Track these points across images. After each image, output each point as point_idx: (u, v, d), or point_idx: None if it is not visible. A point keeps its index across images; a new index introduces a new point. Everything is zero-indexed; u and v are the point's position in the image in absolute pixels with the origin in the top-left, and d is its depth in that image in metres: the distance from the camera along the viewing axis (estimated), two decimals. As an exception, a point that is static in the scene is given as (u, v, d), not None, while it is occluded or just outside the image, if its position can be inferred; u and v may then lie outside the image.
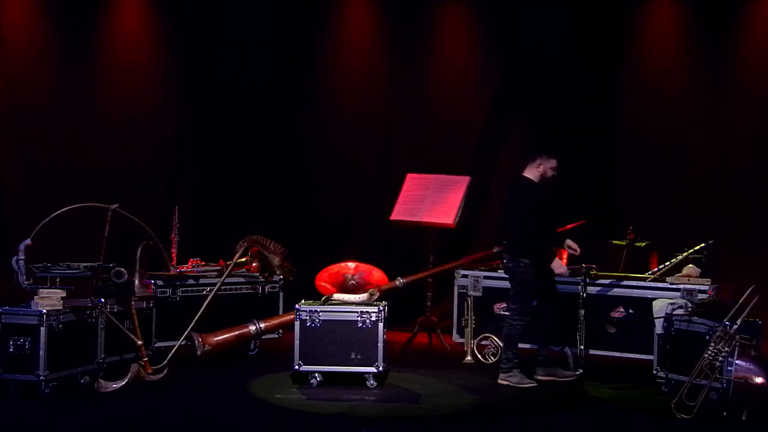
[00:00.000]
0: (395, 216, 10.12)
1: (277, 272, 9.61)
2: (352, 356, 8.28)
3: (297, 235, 10.81)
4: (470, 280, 9.57)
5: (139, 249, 8.50)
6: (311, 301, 8.54)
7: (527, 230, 8.38)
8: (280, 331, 9.49)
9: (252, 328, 9.13)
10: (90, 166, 10.98)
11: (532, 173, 8.50)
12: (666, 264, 9.09)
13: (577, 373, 8.53)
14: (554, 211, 8.64)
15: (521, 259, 8.42)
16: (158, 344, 8.88)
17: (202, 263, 9.45)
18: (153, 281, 8.92)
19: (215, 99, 11.34)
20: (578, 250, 8.64)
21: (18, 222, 10.32)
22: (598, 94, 11.02)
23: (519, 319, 8.46)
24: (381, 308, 8.36)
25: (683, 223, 10.43)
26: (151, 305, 8.74)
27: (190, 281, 9.30)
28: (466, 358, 9.40)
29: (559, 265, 8.48)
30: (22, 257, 7.86)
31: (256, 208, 11.17)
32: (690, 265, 8.97)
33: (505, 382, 8.43)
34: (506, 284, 9.49)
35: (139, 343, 8.31)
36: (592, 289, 8.89)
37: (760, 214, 10.39)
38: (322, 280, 8.91)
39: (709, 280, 8.86)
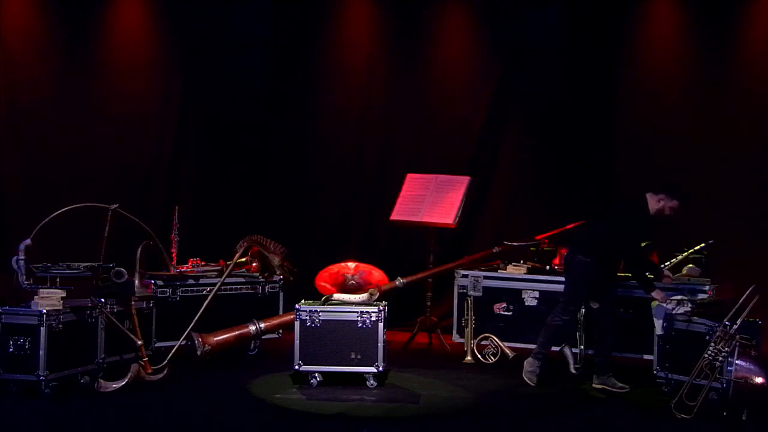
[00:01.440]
0: (395, 216, 10.12)
1: (277, 272, 9.61)
2: (352, 356, 8.28)
3: (297, 235, 10.82)
4: (470, 280, 9.57)
5: (139, 249, 8.50)
6: (311, 301, 8.54)
7: (614, 245, 8.29)
8: (280, 331, 9.49)
9: (252, 328, 9.14)
10: (90, 166, 10.97)
11: (651, 202, 8.30)
12: (666, 264, 9.09)
13: (627, 387, 8.36)
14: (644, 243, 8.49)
15: (579, 256, 8.36)
16: (158, 344, 8.88)
17: (202, 263, 9.45)
18: (153, 281, 8.91)
19: (215, 98, 11.32)
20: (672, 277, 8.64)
21: (18, 222, 10.33)
22: (597, 93, 11.03)
23: (561, 314, 8.42)
24: (381, 308, 8.36)
25: (683, 223, 10.42)
26: (151, 305, 8.74)
27: (190, 281, 9.30)
28: (466, 358, 9.40)
29: (658, 293, 8.24)
30: (22, 257, 7.85)
31: (256, 208, 11.18)
32: (690, 265, 8.97)
33: (525, 364, 8.47)
34: (505, 284, 9.55)
35: (139, 343, 8.31)
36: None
37: (760, 213, 10.39)
38: (322, 280, 8.92)
39: (709, 280, 8.87)
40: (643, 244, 9.20)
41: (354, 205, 11.48)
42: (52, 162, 10.93)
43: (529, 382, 8.40)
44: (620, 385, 8.35)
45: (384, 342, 8.31)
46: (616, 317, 8.61)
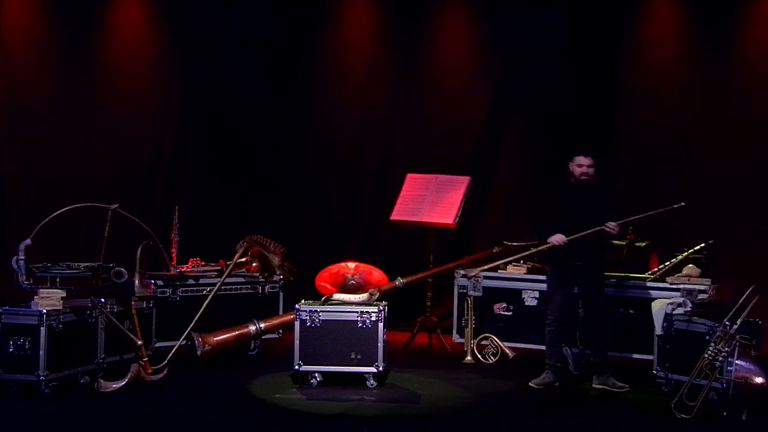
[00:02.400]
0: (395, 216, 10.13)
1: (277, 272, 9.62)
2: (352, 356, 8.28)
3: (297, 235, 10.82)
4: (470, 280, 9.57)
5: (139, 249, 8.50)
6: (311, 301, 8.54)
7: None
8: (280, 331, 9.50)
9: (252, 328, 9.14)
10: (90, 166, 10.96)
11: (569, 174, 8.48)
12: (666, 264, 9.10)
13: (627, 386, 8.35)
14: (576, 210, 8.37)
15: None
16: (158, 344, 8.88)
17: (202, 263, 9.45)
18: (153, 281, 8.92)
19: (215, 98, 11.32)
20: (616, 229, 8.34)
21: (18, 222, 10.33)
22: (597, 93, 11.02)
23: (547, 318, 8.47)
24: (381, 308, 8.36)
25: (683, 223, 10.42)
26: (151, 305, 8.74)
27: (190, 281, 9.31)
28: (466, 358, 9.40)
29: (557, 237, 8.24)
30: (22, 257, 7.86)
31: (256, 208, 11.17)
32: (690, 265, 8.97)
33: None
34: (505, 284, 9.55)
35: (139, 343, 8.31)
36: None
37: (761, 213, 10.38)
38: (322, 280, 8.91)
39: (709, 280, 8.86)
40: (643, 244, 9.23)
41: (354, 205, 11.48)
42: (52, 162, 10.92)
43: (532, 385, 8.41)
44: (620, 384, 8.35)
45: (384, 342, 8.31)
46: (610, 317, 8.60)
